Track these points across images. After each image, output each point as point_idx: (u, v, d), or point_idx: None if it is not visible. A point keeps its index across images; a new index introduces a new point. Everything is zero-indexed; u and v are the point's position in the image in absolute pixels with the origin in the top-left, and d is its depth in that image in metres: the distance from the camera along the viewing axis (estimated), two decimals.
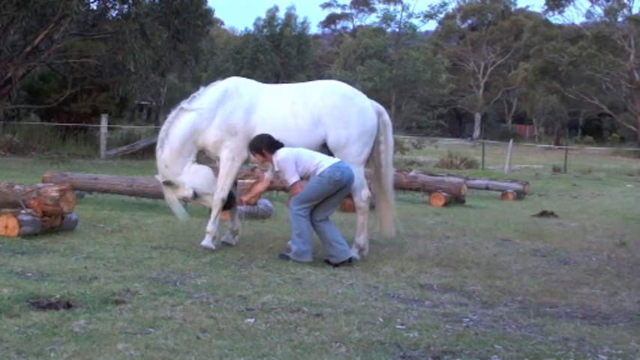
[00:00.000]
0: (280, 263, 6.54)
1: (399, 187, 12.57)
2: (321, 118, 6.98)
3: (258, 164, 7.39)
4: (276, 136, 6.89)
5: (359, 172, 7.06)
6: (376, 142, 7.27)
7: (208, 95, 7.22)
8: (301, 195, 6.68)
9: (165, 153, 7.16)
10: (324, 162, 6.69)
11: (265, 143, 6.83)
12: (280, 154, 6.76)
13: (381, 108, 7.44)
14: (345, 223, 9.43)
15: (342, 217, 10.31)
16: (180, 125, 7.17)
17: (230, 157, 7.09)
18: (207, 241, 7.08)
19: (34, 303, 4.63)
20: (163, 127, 7.30)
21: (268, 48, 54.40)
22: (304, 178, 6.72)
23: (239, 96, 7.16)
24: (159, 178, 7.35)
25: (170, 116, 7.33)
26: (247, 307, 4.88)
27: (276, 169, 6.80)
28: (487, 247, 8.20)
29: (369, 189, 7.34)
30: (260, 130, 6.97)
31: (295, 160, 6.71)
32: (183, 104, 7.29)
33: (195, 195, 7.18)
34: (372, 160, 7.40)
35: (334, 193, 6.72)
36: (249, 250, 7.09)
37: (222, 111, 7.10)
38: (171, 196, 7.26)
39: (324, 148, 7.09)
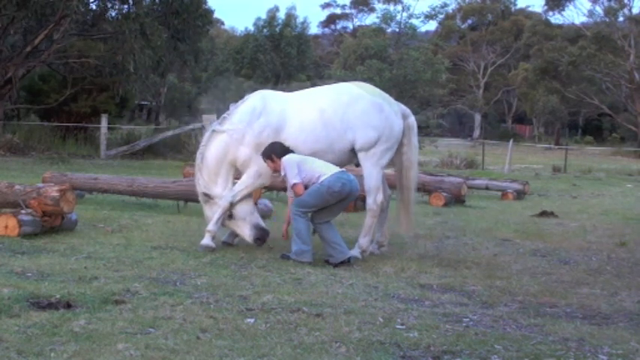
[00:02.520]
0: (280, 263, 6.54)
1: None
2: (350, 124, 7.01)
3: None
4: (308, 147, 6.94)
5: (378, 174, 7.09)
6: (400, 144, 7.30)
7: (237, 115, 7.26)
8: (301, 199, 6.69)
9: (204, 176, 7.26)
10: (327, 171, 6.70)
11: (276, 150, 6.89)
12: (285, 157, 6.80)
13: (407, 111, 7.46)
14: (345, 223, 9.42)
15: (343, 217, 10.30)
16: (213, 147, 7.27)
17: (257, 174, 7.13)
18: (206, 240, 7.09)
19: (34, 303, 4.64)
20: (199, 151, 7.39)
21: (268, 48, 54.42)
22: (307, 185, 6.73)
23: (267, 114, 7.16)
24: (200, 199, 7.40)
25: (204, 139, 7.46)
26: (247, 307, 4.88)
27: (282, 173, 6.82)
28: (487, 247, 8.20)
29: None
30: (291, 145, 6.99)
31: (298, 163, 6.74)
32: (215, 126, 7.38)
33: (231, 216, 7.19)
34: (395, 161, 7.44)
35: (335, 202, 6.73)
36: (249, 250, 7.09)
37: (250, 130, 7.12)
38: (209, 214, 7.26)
39: (353, 154, 7.12)
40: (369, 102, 7.11)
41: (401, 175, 7.47)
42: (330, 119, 7.00)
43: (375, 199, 7.06)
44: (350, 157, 7.23)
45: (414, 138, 7.43)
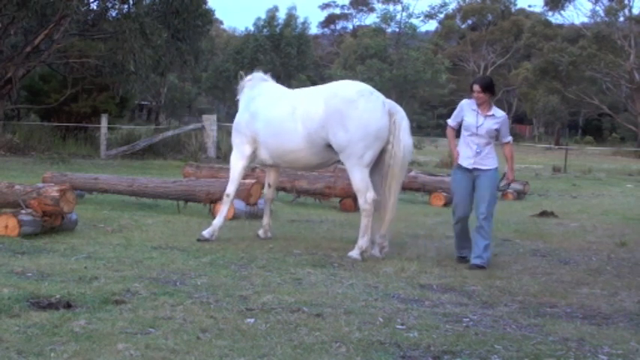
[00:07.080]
0: (280, 263, 6.53)
1: None
2: (322, 122, 7.04)
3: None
4: (277, 139, 7.36)
5: (362, 173, 7.01)
6: (386, 142, 7.06)
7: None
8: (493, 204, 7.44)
9: None
10: None
11: (495, 88, 7.56)
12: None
13: (395, 108, 7.20)
14: (345, 223, 9.43)
15: (342, 216, 10.32)
16: None
17: (237, 157, 7.79)
18: (210, 228, 7.64)
19: (34, 303, 4.64)
20: None
21: (268, 48, 54.36)
22: None
23: (252, 102, 7.88)
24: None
25: None
26: (247, 307, 4.88)
27: (487, 116, 7.54)
28: None
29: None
30: (263, 134, 7.50)
31: None
32: None
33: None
34: (379, 159, 7.14)
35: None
36: (249, 250, 7.09)
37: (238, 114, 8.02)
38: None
39: (330, 148, 7.16)
40: (340, 100, 7.02)
41: (385, 173, 7.10)
42: (301, 116, 7.17)
43: (365, 198, 6.99)
44: (330, 154, 7.28)
45: (403, 134, 7.09)
